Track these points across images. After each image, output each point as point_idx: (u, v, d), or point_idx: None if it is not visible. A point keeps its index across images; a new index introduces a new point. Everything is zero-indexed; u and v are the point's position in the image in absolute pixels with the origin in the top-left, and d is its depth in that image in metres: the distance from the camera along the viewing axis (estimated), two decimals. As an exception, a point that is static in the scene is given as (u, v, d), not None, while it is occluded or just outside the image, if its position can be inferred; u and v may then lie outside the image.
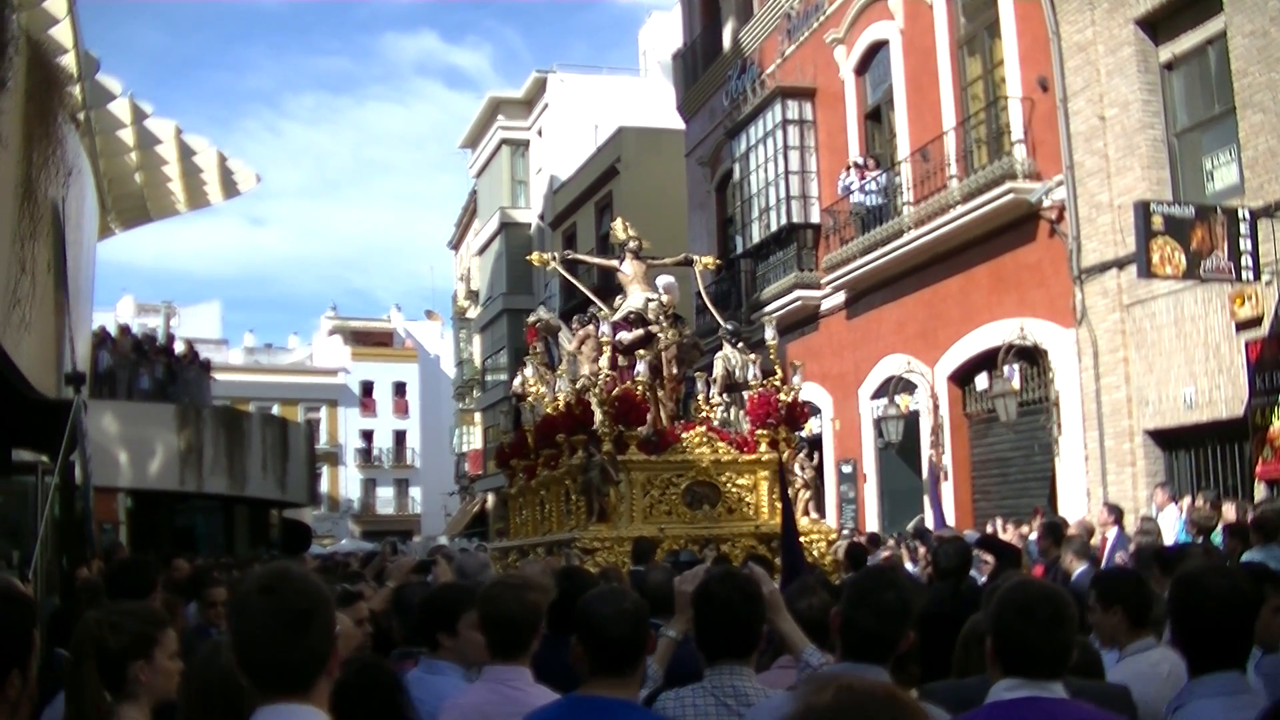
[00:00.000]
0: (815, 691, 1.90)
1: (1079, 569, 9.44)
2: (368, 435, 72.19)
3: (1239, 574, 4.07)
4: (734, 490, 13.84)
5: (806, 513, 14.20)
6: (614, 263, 16.09)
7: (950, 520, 18.20)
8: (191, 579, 8.48)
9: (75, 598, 8.02)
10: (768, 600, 4.42)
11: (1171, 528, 12.75)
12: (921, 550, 15.38)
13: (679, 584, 4.92)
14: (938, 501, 18.82)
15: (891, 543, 17.12)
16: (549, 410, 15.20)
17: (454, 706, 4.10)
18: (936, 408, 19.84)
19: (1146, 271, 13.57)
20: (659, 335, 14.61)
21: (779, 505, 13.89)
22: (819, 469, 18.63)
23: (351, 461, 71.32)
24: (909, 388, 20.43)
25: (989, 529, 15.74)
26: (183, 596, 7.85)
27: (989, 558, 9.60)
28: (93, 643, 3.42)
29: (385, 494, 71.76)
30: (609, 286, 17.98)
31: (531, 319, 17.04)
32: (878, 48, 22.26)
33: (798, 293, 23.47)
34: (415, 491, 71.71)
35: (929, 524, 17.88)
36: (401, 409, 73.34)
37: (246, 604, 2.80)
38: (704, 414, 14.67)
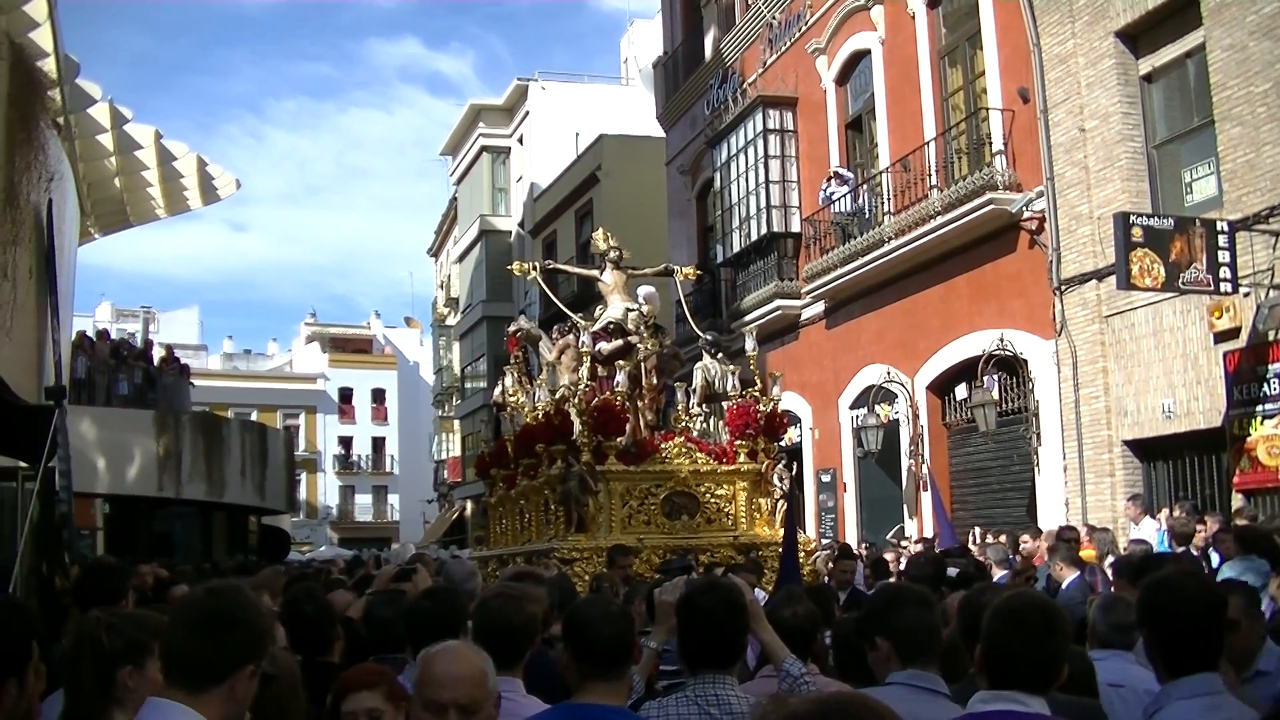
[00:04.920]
0: (784, 701, 1.91)
1: (1069, 577, 9.43)
2: (346, 442, 71.99)
3: (1206, 577, 4.07)
4: (712, 501, 13.83)
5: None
6: (594, 272, 16.10)
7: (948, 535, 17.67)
8: (155, 586, 8.44)
9: (55, 604, 7.99)
10: (749, 611, 4.41)
11: (1151, 540, 12.79)
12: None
13: (659, 594, 4.92)
14: (943, 517, 17.77)
15: (863, 551, 17.03)
16: (528, 420, 15.20)
17: None
18: (916, 417, 19.89)
19: (1126, 283, 13.64)
20: (638, 345, 14.60)
21: (758, 516, 13.96)
22: (798, 478, 18.53)
23: (330, 468, 71.12)
24: (889, 397, 20.47)
25: (969, 539, 15.78)
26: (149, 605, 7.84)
27: None
28: (90, 641, 3.45)
29: (363, 501, 71.53)
30: (589, 295, 17.96)
31: (512, 328, 17.02)
32: (859, 58, 22.34)
33: (778, 302, 23.52)
34: (393, 498, 71.54)
35: (926, 539, 17.41)
36: (380, 416, 73.18)
37: (189, 598, 3.03)
38: (683, 424, 14.66)
